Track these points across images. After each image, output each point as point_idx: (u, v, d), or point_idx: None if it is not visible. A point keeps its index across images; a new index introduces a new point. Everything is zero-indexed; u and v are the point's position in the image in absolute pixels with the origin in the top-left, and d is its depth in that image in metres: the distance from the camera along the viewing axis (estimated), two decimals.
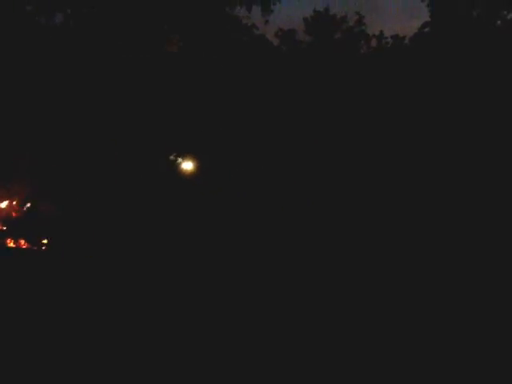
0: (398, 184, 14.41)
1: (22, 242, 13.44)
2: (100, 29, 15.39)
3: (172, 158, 14.60)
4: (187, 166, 14.58)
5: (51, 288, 10.47)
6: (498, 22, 16.40)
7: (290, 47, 16.63)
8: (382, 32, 17.79)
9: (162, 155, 14.59)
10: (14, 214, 14.30)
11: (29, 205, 14.34)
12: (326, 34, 16.93)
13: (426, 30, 17.80)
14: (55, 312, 9.14)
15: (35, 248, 13.29)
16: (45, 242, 13.37)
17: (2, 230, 13.79)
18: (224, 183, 14.23)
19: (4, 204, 14.43)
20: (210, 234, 13.18)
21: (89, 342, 8.03)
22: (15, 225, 13.70)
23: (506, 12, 16.29)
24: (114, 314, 9.17)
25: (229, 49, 14.54)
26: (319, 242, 13.05)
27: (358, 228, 13.57)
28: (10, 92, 14.55)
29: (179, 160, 14.68)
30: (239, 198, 13.98)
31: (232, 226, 13.44)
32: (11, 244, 13.47)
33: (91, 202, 13.79)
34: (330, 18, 17.17)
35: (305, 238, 13.30)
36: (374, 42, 17.86)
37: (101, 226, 13.36)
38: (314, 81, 16.06)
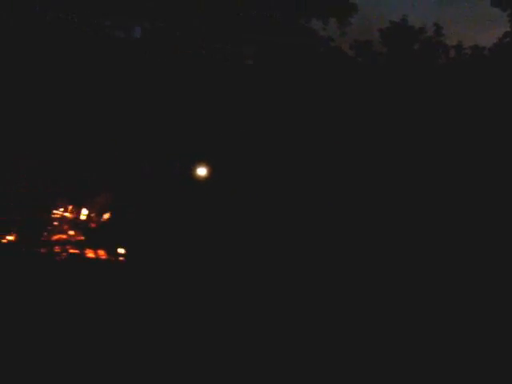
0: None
1: (101, 252, 13.71)
2: (176, 43, 15.67)
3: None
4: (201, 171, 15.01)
5: (128, 297, 10.61)
6: None
7: (366, 59, 16.42)
8: (460, 42, 17.36)
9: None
10: (92, 225, 14.67)
11: (107, 215, 14.69)
12: (403, 45, 16.62)
13: (507, 40, 17.25)
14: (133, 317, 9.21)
15: (113, 258, 13.52)
16: (123, 252, 13.58)
17: (82, 241, 14.15)
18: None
19: (83, 215, 14.83)
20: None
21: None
22: (94, 235, 14.02)
23: None
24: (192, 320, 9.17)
25: (303, 61, 14.50)
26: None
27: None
28: (86, 106, 14.98)
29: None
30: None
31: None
32: (90, 254, 13.77)
33: (166, 212, 13.99)
34: (407, 29, 16.85)
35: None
36: (452, 53, 17.44)
37: (175, 235, 13.51)
38: (391, 92, 15.80)
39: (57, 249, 13.89)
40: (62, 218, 14.86)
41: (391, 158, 14.95)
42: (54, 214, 14.90)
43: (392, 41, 16.66)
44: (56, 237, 14.45)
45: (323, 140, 14.67)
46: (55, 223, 14.80)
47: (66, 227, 14.69)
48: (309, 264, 12.17)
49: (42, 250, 13.83)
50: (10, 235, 14.13)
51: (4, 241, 14.04)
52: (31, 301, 10.17)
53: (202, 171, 14.71)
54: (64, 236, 14.46)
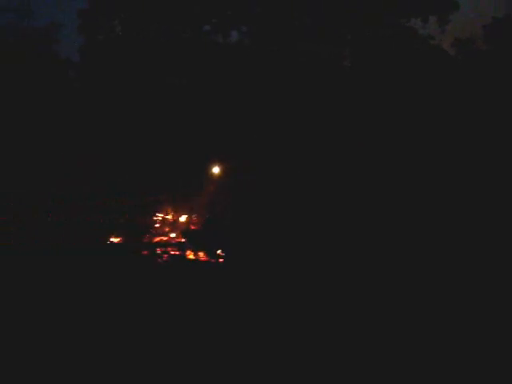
0: None
1: (201, 254, 13.90)
2: (274, 45, 15.75)
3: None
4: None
5: (228, 297, 10.63)
6: None
7: (467, 56, 15.82)
8: None
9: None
10: (192, 227, 14.94)
11: (206, 218, 14.92)
12: (507, 41, 15.89)
13: None
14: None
15: (213, 260, 13.66)
16: (222, 254, 13.71)
17: (182, 243, 14.43)
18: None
19: (184, 217, 15.14)
20: None
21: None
22: (194, 237, 14.26)
23: None
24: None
25: (404, 59, 14.15)
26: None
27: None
28: (186, 111, 15.30)
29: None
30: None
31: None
32: (191, 256, 13.99)
33: (264, 214, 14.00)
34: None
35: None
36: None
37: (274, 236, 13.47)
38: (494, 91, 15.14)
39: (158, 250, 14.23)
40: (164, 221, 15.24)
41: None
42: (156, 216, 15.30)
43: (496, 38, 15.98)
44: (157, 239, 14.82)
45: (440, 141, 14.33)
46: (157, 226, 15.20)
47: (167, 229, 15.05)
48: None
49: (145, 252, 14.21)
50: (115, 237, 14.64)
51: (109, 242, 14.57)
52: (133, 298, 10.44)
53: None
54: (165, 238, 14.81)
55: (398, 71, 14.32)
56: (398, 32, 14.32)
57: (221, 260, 13.67)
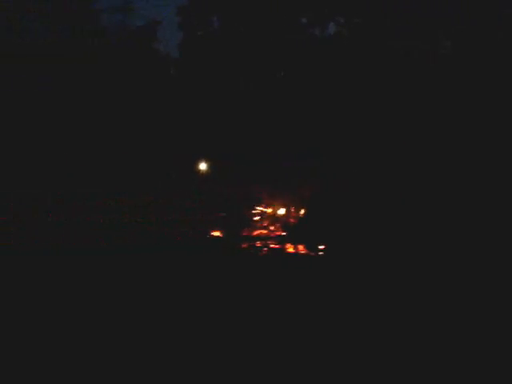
0: None
1: (301, 247, 13.66)
2: (371, 38, 15.21)
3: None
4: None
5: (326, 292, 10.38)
6: None
7: None
8: None
9: None
10: (291, 220, 14.72)
11: (305, 211, 14.66)
12: None
13: None
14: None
15: (313, 254, 13.38)
16: (322, 247, 13.39)
17: (282, 236, 14.26)
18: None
19: (283, 210, 14.96)
20: None
21: None
22: (294, 230, 14.05)
23: None
24: None
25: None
26: None
27: None
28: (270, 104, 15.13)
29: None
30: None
31: None
32: (291, 249, 13.79)
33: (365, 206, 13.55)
34: None
35: None
36: None
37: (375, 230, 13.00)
38: None
39: (258, 244, 14.14)
40: (263, 214, 15.14)
41: None
42: (255, 210, 15.23)
43: None
44: (257, 232, 14.74)
45: None
46: (256, 219, 15.13)
47: (266, 223, 14.93)
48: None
49: (244, 245, 14.18)
50: (215, 231, 14.73)
51: (210, 236, 14.68)
52: (232, 292, 10.42)
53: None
54: (264, 231, 14.70)
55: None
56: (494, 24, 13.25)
57: (321, 253, 13.36)
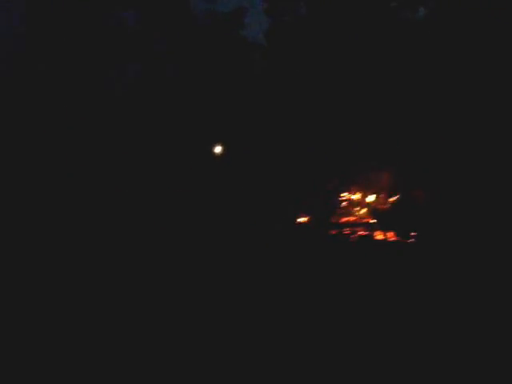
0: None
1: (391, 234, 13.45)
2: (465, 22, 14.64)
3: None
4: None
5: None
6: None
7: None
8: None
9: None
10: (381, 207, 14.50)
11: (395, 197, 14.39)
12: None
13: None
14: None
15: (403, 241, 13.16)
16: (413, 234, 13.13)
17: (372, 223, 14.10)
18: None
19: (372, 197, 14.76)
20: None
21: None
22: (384, 217, 13.84)
23: None
24: None
25: None
26: None
27: None
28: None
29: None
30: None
31: None
32: (380, 236, 13.62)
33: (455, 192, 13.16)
34: None
35: None
36: None
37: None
38: None
39: (346, 231, 14.05)
40: (351, 201, 15.00)
41: None
42: (343, 196, 15.11)
43: None
44: (345, 219, 14.64)
45: None
46: (344, 205, 15.02)
47: (354, 209, 14.79)
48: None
49: (333, 232, 14.14)
50: (302, 217, 14.77)
51: (297, 223, 14.73)
52: (318, 279, 10.48)
53: None
54: (353, 218, 14.58)
55: None
56: None
57: (411, 241, 13.12)
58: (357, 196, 15.05)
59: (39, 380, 6.85)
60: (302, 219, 14.75)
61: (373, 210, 14.46)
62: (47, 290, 10.41)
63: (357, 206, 14.89)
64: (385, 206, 14.36)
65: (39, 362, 7.21)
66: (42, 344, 7.82)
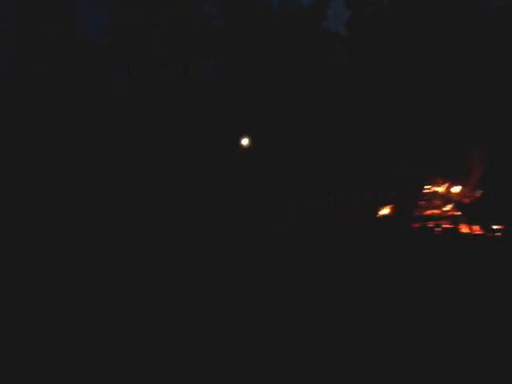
0: None
1: (476, 227, 13.24)
2: None
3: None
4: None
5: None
6: None
7: None
8: None
9: None
10: (466, 200, 14.28)
11: (480, 191, 14.13)
12: None
13: None
14: None
15: (489, 234, 12.92)
16: (499, 227, 12.87)
17: (456, 216, 13.91)
18: None
19: (456, 189, 14.56)
20: None
21: None
22: (469, 210, 13.63)
23: None
24: None
25: None
26: None
27: None
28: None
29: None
30: None
31: None
32: (465, 230, 13.43)
33: None
34: None
35: None
36: None
37: None
38: None
39: (430, 224, 13.93)
40: (435, 194, 14.85)
41: None
42: (427, 189, 14.98)
43: None
44: (429, 212, 14.51)
45: None
46: (428, 198, 14.89)
47: (438, 202, 14.63)
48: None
49: (416, 225, 14.06)
50: (385, 209, 14.77)
51: (379, 216, 14.76)
52: (400, 271, 10.52)
53: None
54: (437, 211, 14.43)
55: None
56: None
57: (498, 234, 12.87)
58: (441, 188, 14.89)
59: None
60: (384, 211, 14.77)
61: (458, 202, 14.26)
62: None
63: (441, 198, 14.73)
64: (470, 199, 14.13)
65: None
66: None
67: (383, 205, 14.78)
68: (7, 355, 7.38)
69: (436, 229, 13.71)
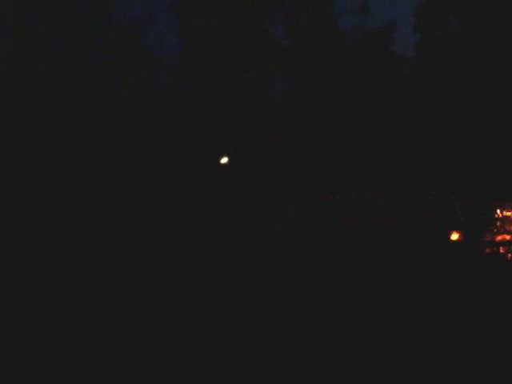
0: None
1: None
2: None
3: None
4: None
5: None
6: None
7: None
8: None
9: None
10: None
11: None
12: None
13: None
14: None
15: None
16: None
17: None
18: None
19: None
20: None
21: None
22: None
23: None
24: None
25: None
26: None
27: None
28: None
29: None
30: None
31: None
32: None
33: None
34: None
35: None
36: None
37: None
38: None
39: (501, 250, 13.70)
40: (506, 218, 14.60)
41: None
42: (498, 214, 14.75)
43: None
44: (500, 237, 14.28)
45: None
46: (499, 223, 14.65)
47: (510, 227, 14.38)
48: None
49: (487, 251, 13.84)
50: (454, 234, 14.60)
51: (449, 240, 14.59)
52: (467, 298, 10.40)
53: None
54: (508, 237, 14.18)
55: None
56: None
57: None
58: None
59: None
60: (454, 236, 14.61)
61: None
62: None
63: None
64: None
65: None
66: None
67: (452, 228, 14.65)
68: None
69: (508, 255, 13.49)
